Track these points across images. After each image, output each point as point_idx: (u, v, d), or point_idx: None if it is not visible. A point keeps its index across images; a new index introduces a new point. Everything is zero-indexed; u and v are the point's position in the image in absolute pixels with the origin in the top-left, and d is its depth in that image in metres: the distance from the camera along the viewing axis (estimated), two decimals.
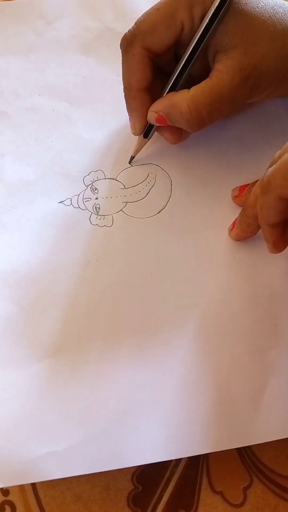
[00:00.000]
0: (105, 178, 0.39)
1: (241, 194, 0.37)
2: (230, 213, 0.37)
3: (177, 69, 0.34)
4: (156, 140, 0.39)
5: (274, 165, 0.28)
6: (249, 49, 0.31)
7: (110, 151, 0.40)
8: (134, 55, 0.33)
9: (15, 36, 0.43)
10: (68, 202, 0.38)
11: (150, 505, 0.34)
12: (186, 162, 0.39)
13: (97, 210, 0.38)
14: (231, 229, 0.36)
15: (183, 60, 0.33)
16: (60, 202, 0.38)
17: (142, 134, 0.37)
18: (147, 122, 0.36)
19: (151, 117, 0.35)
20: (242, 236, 0.36)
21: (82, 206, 0.38)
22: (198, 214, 0.38)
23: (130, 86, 0.35)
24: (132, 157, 0.39)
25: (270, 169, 0.28)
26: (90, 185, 0.38)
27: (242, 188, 0.37)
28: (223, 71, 0.32)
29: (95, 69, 0.42)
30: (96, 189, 0.38)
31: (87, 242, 0.37)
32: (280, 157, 0.29)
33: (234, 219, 0.36)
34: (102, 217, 0.37)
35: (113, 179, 0.39)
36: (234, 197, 0.37)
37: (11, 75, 0.42)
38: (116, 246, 0.37)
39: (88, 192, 0.38)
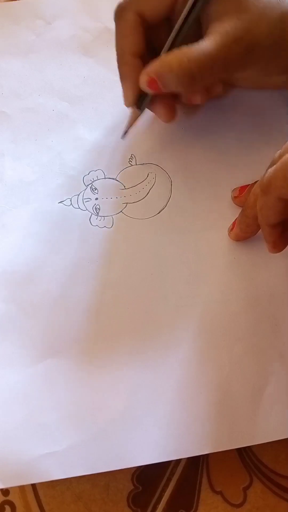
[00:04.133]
0: (104, 178, 0.39)
1: (241, 195, 0.37)
2: (230, 213, 0.37)
3: (171, 38, 0.33)
4: (156, 139, 0.39)
5: (274, 166, 0.28)
6: (241, 15, 0.31)
7: (109, 151, 0.40)
8: (127, 20, 0.34)
9: (15, 36, 0.43)
10: (68, 202, 0.38)
11: (150, 505, 0.34)
12: (186, 162, 0.39)
13: (97, 211, 0.38)
14: (231, 230, 0.36)
15: (176, 28, 0.33)
16: (60, 202, 0.38)
17: (136, 106, 0.36)
18: (140, 92, 0.35)
19: (143, 80, 0.34)
20: (241, 236, 0.36)
21: (82, 207, 0.38)
22: (198, 215, 0.38)
23: (123, 51, 0.35)
24: (126, 132, 0.38)
25: (270, 170, 0.28)
26: (90, 185, 0.38)
27: (242, 189, 0.37)
28: (214, 34, 0.32)
29: (95, 69, 0.42)
30: (96, 189, 0.38)
31: (87, 243, 0.37)
32: (280, 157, 0.29)
33: (234, 219, 0.36)
34: (102, 218, 0.37)
35: (112, 178, 0.39)
36: (234, 198, 0.37)
37: (11, 75, 0.42)
38: (116, 246, 0.37)
39: (88, 192, 0.38)
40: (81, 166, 0.39)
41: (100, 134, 0.40)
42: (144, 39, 0.34)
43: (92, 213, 0.38)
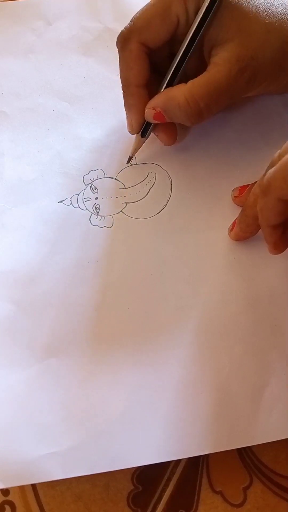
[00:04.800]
0: (104, 177, 0.39)
1: (241, 195, 0.37)
2: (230, 213, 0.37)
3: (173, 64, 0.34)
4: (156, 139, 0.39)
5: (274, 167, 0.28)
6: (245, 41, 0.32)
7: (109, 151, 0.40)
8: (131, 51, 0.33)
9: (15, 36, 0.43)
10: (68, 201, 0.38)
11: (150, 505, 0.34)
12: (186, 161, 0.39)
13: (97, 211, 0.38)
14: (231, 229, 0.36)
15: (179, 54, 0.33)
16: (60, 202, 0.38)
17: (140, 134, 0.37)
18: (144, 120, 0.36)
19: (149, 114, 0.35)
20: (241, 236, 0.36)
21: (82, 206, 0.38)
22: (198, 214, 0.38)
23: (128, 82, 0.35)
24: (130, 158, 0.39)
25: (270, 171, 0.28)
26: (90, 184, 0.38)
27: (242, 189, 0.37)
28: (220, 63, 0.32)
29: (95, 69, 0.42)
30: (96, 188, 0.38)
31: (87, 242, 0.37)
32: (279, 157, 0.29)
33: (234, 219, 0.36)
34: (102, 217, 0.37)
35: (113, 178, 0.39)
36: (234, 198, 0.37)
37: (11, 75, 0.42)
38: (116, 246, 0.37)
39: (88, 192, 0.38)
40: (81, 165, 0.39)
41: (100, 133, 0.40)
42: (148, 68, 0.34)
43: (92, 213, 0.38)
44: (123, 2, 0.43)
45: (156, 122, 0.36)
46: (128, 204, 0.38)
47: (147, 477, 0.34)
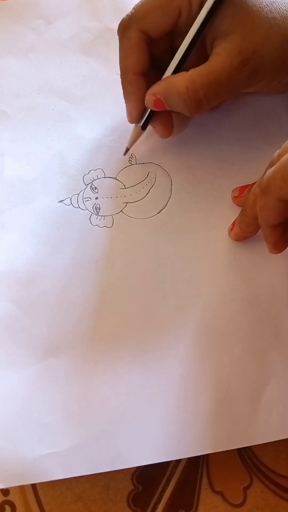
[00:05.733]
0: (105, 177, 0.39)
1: (241, 195, 0.37)
2: (230, 213, 0.37)
3: (179, 55, 0.34)
4: (156, 139, 0.39)
5: (274, 166, 0.28)
6: (248, 35, 0.32)
7: (109, 150, 0.40)
8: (130, 38, 0.33)
9: (15, 36, 0.43)
10: (68, 201, 0.38)
11: (150, 505, 0.34)
12: (186, 161, 0.39)
13: (97, 211, 0.38)
14: (231, 229, 0.36)
15: (184, 46, 0.33)
16: (60, 201, 0.38)
17: (140, 125, 0.37)
18: (144, 108, 0.36)
19: (149, 100, 0.35)
20: (241, 236, 0.36)
21: (82, 206, 0.38)
22: (198, 214, 0.37)
23: (127, 69, 0.35)
24: (127, 149, 0.39)
25: (269, 170, 0.28)
26: (90, 184, 0.38)
27: (242, 189, 0.37)
28: (222, 54, 0.32)
29: (95, 69, 0.42)
30: (96, 188, 0.38)
31: (87, 242, 0.37)
32: (279, 157, 0.29)
33: (234, 219, 0.36)
34: (102, 217, 0.37)
35: (113, 178, 0.39)
36: (234, 198, 0.37)
37: (11, 75, 0.42)
38: (116, 246, 0.37)
39: (88, 191, 0.38)
40: (81, 165, 0.39)
41: (100, 133, 0.40)
42: (148, 56, 0.34)
43: (92, 213, 0.38)
44: (123, 2, 0.43)
45: (156, 109, 0.35)
46: (128, 204, 0.38)
47: (147, 477, 0.34)
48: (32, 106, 0.41)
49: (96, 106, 0.41)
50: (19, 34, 0.43)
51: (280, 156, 0.29)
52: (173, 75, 0.34)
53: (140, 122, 0.37)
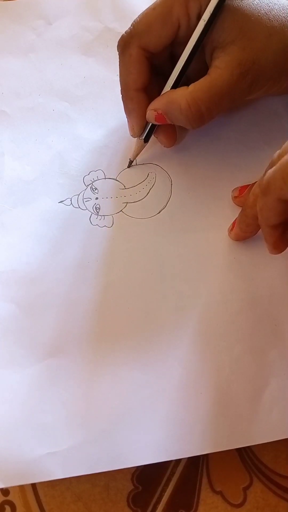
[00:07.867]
0: (105, 178, 0.39)
1: (241, 195, 0.37)
2: (230, 213, 0.37)
3: (178, 68, 0.34)
4: (156, 140, 0.39)
5: (274, 167, 0.28)
6: (247, 44, 0.32)
7: (110, 151, 0.40)
8: (131, 55, 0.33)
9: (15, 36, 0.43)
10: (68, 202, 0.38)
11: (150, 505, 0.34)
12: (186, 162, 0.39)
13: (97, 211, 0.38)
14: (231, 230, 0.36)
15: (183, 59, 0.33)
16: (60, 202, 0.38)
17: (142, 139, 0.37)
18: (145, 123, 0.36)
19: (150, 115, 0.35)
20: (241, 236, 0.36)
21: (82, 206, 0.38)
22: (198, 214, 0.38)
23: (128, 86, 0.35)
24: (131, 162, 0.39)
25: (269, 171, 0.28)
26: (90, 185, 0.38)
27: (242, 189, 0.37)
28: (221, 67, 0.32)
29: (95, 69, 0.42)
30: (96, 189, 0.38)
31: (87, 242, 0.37)
32: (279, 157, 0.29)
33: (234, 219, 0.36)
34: (102, 217, 0.37)
35: (113, 179, 0.39)
36: (234, 198, 0.37)
37: (11, 75, 0.42)
38: (116, 246, 0.37)
39: (88, 192, 0.38)
40: (81, 166, 0.39)
41: (100, 134, 0.40)
42: (149, 72, 0.34)
43: (92, 213, 0.38)
44: (123, 2, 0.43)
45: (158, 123, 0.36)
46: (128, 204, 0.38)
47: (147, 477, 0.34)
48: (32, 106, 0.41)
49: (96, 106, 0.41)
50: (19, 34, 0.43)
51: (280, 156, 0.29)
52: (173, 89, 0.34)
53: (143, 136, 0.37)
